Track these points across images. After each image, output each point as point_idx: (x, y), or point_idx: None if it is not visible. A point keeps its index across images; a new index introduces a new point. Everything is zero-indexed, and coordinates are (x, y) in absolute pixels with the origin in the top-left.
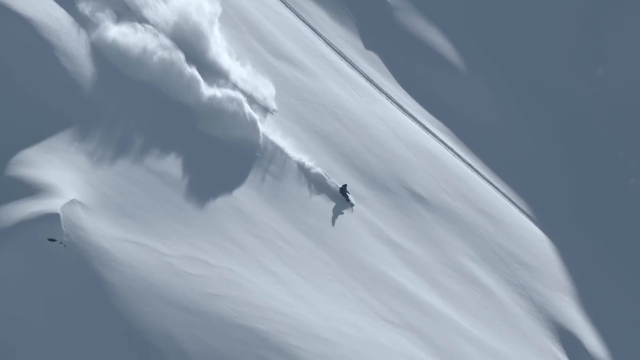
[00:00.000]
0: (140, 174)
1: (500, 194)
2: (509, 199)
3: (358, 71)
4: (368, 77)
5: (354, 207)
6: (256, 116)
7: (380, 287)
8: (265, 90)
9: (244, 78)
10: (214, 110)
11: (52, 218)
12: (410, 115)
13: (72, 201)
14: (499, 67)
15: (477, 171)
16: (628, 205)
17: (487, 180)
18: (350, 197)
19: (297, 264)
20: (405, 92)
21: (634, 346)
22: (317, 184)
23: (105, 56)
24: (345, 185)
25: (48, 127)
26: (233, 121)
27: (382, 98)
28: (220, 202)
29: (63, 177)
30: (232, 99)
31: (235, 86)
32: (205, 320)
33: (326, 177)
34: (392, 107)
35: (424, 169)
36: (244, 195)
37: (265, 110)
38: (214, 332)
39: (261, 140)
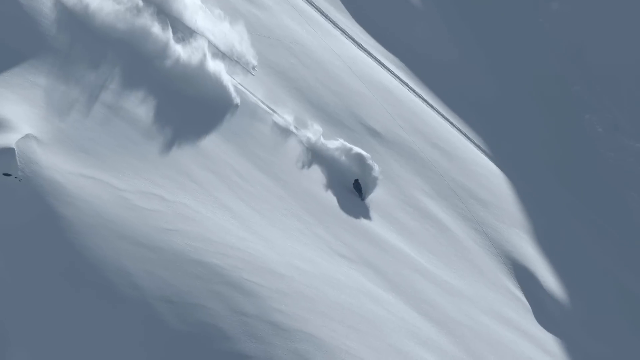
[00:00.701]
0: (96, 109)
1: (455, 129)
2: (464, 134)
3: (313, 6)
4: (323, 11)
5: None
6: (225, 77)
7: (336, 223)
8: (243, 45)
9: (219, 32)
10: (181, 70)
11: (7, 153)
12: (365, 51)
13: (27, 136)
14: (454, 2)
15: (432, 106)
16: (583, 140)
17: (442, 115)
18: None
19: (252, 199)
20: (360, 27)
21: (588, 282)
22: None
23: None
24: (357, 180)
25: (2, 61)
26: (203, 81)
27: (337, 33)
28: (176, 138)
29: (18, 111)
30: (198, 58)
31: (209, 43)
32: (160, 255)
33: (320, 142)
34: (347, 42)
35: (379, 104)
36: (200, 131)
37: (243, 69)
38: (168, 267)
39: (233, 96)
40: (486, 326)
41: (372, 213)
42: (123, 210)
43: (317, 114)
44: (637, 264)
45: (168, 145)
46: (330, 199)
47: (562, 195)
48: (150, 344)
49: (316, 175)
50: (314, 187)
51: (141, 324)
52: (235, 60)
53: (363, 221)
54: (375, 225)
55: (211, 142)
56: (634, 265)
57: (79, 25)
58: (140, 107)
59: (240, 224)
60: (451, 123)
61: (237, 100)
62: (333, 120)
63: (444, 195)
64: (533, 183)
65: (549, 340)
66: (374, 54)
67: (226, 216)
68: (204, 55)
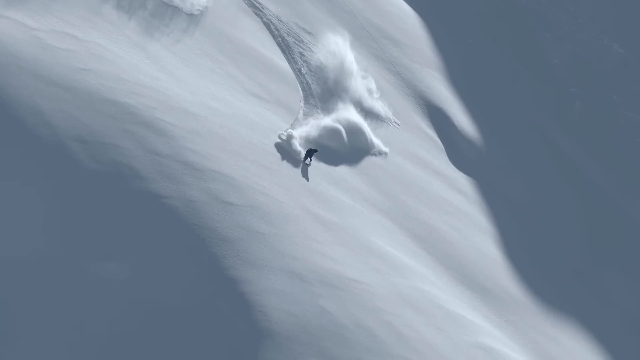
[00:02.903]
0: None
1: None
2: None
3: None
4: None
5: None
6: None
7: (249, 63)
8: None
9: None
10: None
11: None
12: None
13: None
14: None
15: None
16: None
17: None
18: (309, 161)
19: (165, 38)
20: None
21: (503, 124)
22: None
23: None
24: (314, 151)
25: None
26: None
27: None
28: None
29: None
30: None
31: None
32: (74, 95)
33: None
34: None
35: None
36: None
37: None
38: (82, 107)
39: None
40: (399, 166)
41: (285, 54)
42: (36, 49)
43: None
44: (551, 105)
45: None
46: (243, 37)
47: (477, 36)
48: (63, 183)
49: (228, 14)
50: (226, 26)
51: (54, 163)
52: None
53: (275, 60)
54: (287, 64)
55: None
56: (548, 106)
57: None
58: None
59: (154, 63)
60: None
61: None
62: None
63: (357, 35)
64: (447, 24)
65: (462, 180)
66: None
67: (140, 56)
68: None
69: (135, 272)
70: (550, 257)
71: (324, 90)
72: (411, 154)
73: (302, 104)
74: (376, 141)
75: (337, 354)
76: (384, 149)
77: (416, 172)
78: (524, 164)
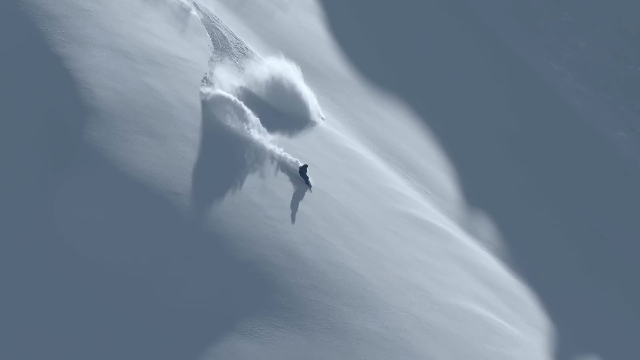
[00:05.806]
0: None
1: None
2: None
3: None
4: None
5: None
6: None
7: None
8: None
9: None
10: None
11: None
12: None
13: None
14: None
15: None
16: None
17: None
18: (310, 179)
19: None
20: None
21: None
22: None
23: None
24: (305, 166)
25: None
26: None
27: None
28: None
29: None
30: None
31: None
32: None
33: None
34: None
35: None
36: None
37: None
38: None
39: None
40: None
41: None
42: None
43: None
44: None
45: None
46: None
47: None
48: None
49: None
50: None
51: None
52: None
53: None
54: None
55: None
56: None
57: None
58: None
59: None
60: None
61: None
62: None
63: None
64: None
65: None
66: None
67: None
68: None
69: None
70: (383, 38)
71: None
72: None
73: None
74: None
75: (162, 131)
76: None
77: None
78: None
